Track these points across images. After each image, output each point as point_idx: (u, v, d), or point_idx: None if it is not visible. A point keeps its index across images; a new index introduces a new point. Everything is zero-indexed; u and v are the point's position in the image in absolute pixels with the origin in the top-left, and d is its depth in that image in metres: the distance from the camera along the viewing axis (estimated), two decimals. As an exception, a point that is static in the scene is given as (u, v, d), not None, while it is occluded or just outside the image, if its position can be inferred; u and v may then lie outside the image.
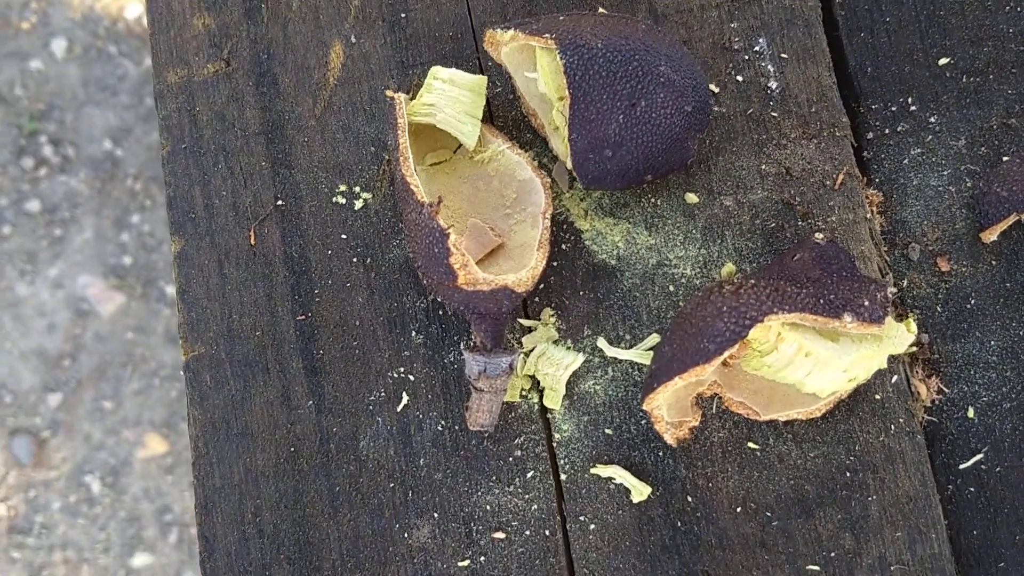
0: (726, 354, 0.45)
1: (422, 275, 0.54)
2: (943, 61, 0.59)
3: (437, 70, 0.55)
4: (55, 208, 1.84)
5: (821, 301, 0.47)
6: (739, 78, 0.58)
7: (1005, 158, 0.57)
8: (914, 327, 0.50)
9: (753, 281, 0.48)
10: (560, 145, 0.56)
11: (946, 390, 0.55)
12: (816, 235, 0.51)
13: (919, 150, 0.58)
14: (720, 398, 0.54)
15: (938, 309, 0.56)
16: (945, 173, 0.58)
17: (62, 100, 1.87)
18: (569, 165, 0.55)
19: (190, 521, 1.77)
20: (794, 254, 0.51)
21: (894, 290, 0.48)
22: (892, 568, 0.53)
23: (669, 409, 0.51)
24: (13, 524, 1.76)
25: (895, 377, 0.54)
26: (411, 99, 0.56)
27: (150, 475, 1.80)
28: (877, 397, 0.54)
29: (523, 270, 0.53)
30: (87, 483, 1.79)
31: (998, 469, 0.55)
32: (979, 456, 0.55)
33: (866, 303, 0.46)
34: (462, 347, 0.55)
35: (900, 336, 0.49)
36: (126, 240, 1.85)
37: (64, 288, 1.80)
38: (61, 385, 1.80)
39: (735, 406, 0.52)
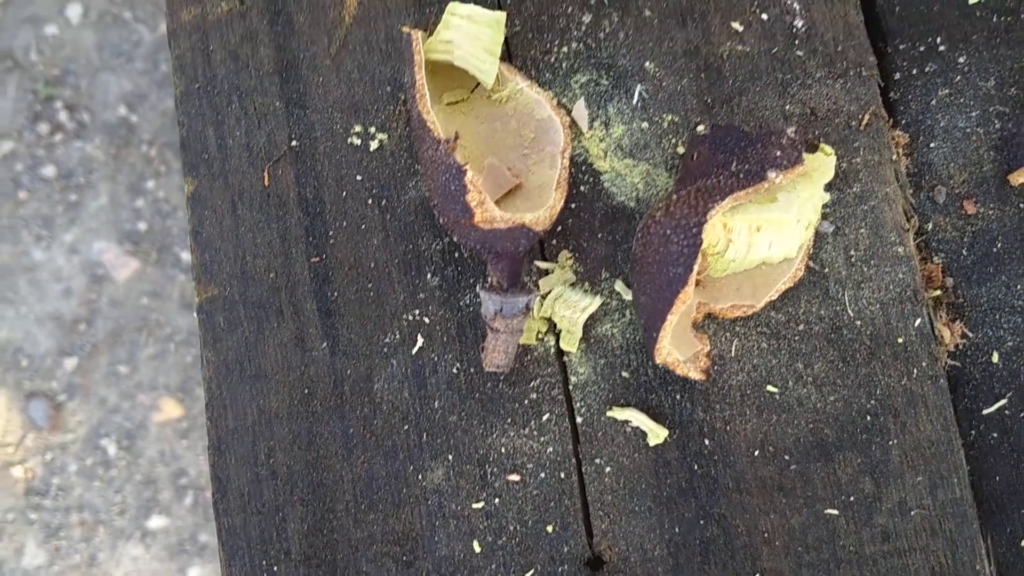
0: (695, 268, 0.46)
1: (438, 214, 0.53)
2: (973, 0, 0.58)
3: (455, 6, 0.54)
4: (70, 174, 1.84)
5: (742, 175, 0.47)
6: (764, 16, 0.57)
7: (1035, 99, 0.56)
8: (829, 149, 0.51)
9: (675, 196, 0.49)
10: None
11: (970, 334, 0.54)
12: (698, 128, 0.55)
13: (947, 91, 0.57)
14: (714, 316, 0.54)
15: (963, 252, 0.55)
16: (973, 114, 0.56)
17: (77, 66, 1.86)
18: None
19: (205, 485, 1.78)
20: (691, 155, 0.52)
21: (793, 128, 0.49)
22: (912, 513, 0.53)
23: (677, 351, 0.51)
24: (31, 486, 1.77)
25: (918, 320, 0.53)
26: (428, 36, 0.55)
27: (165, 439, 1.81)
28: (899, 341, 0.53)
29: (541, 209, 0.52)
30: (103, 446, 1.80)
31: (1022, 415, 0.54)
32: (1003, 401, 0.54)
33: (779, 153, 0.48)
34: (478, 288, 0.55)
35: (825, 165, 0.50)
36: (141, 206, 1.85)
37: (80, 253, 1.81)
38: (77, 349, 1.81)
39: (729, 312, 0.52)
